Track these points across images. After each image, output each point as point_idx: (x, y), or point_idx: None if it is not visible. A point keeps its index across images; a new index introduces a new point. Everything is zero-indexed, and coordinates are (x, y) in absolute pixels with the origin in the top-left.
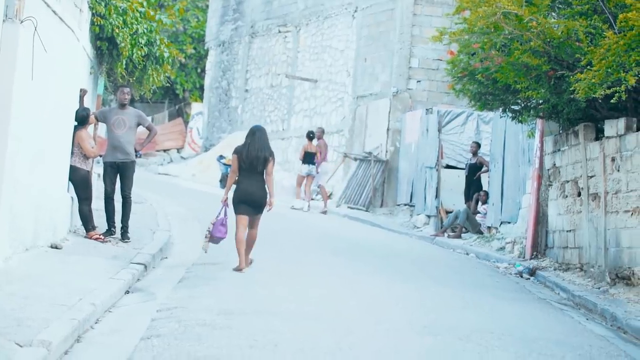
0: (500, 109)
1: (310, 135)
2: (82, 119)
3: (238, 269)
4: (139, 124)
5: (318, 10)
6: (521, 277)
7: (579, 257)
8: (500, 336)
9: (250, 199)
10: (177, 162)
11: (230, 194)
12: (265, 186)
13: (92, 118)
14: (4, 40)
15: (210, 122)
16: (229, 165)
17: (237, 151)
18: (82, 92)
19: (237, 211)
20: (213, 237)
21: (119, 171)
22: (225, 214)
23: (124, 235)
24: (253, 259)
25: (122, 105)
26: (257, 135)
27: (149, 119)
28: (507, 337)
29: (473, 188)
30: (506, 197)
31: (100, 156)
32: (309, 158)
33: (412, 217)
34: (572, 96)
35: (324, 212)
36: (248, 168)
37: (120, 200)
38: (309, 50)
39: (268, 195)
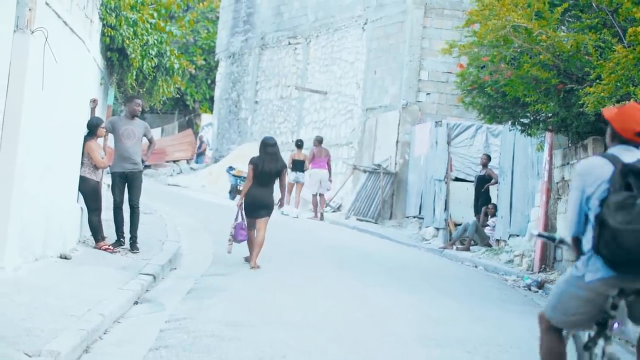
0: (510, 122)
1: (298, 144)
2: (92, 127)
3: (249, 261)
4: (144, 135)
5: (328, 23)
6: (529, 290)
7: None
8: (508, 349)
9: (259, 204)
10: (186, 173)
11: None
12: (273, 193)
13: (101, 130)
14: (14, 50)
15: (220, 134)
16: (239, 177)
17: (254, 162)
18: (93, 104)
19: (247, 215)
20: (236, 239)
21: (127, 181)
22: (243, 218)
23: (133, 246)
24: (260, 266)
25: (133, 116)
26: (269, 150)
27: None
28: (515, 350)
29: (481, 200)
30: (515, 210)
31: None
32: (297, 166)
33: (421, 229)
34: (581, 110)
35: (320, 219)
36: (263, 179)
37: (129, 210)
38: (318, 62)
39: (276, 199)
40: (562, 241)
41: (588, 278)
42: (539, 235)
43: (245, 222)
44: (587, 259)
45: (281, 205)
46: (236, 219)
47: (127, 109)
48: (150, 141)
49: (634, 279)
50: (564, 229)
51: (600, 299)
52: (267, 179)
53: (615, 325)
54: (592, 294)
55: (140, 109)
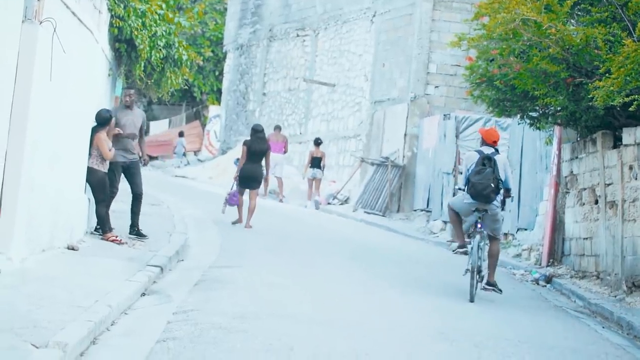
0: (518, 115)
1: (317, 142)
2: (104, 120)
3: (237, 221)
4: (141, 126)
5: (336, 15)
6: (537, 284)
7: (595, 265)
8: (517, 344)
9: (251, 177)
10: (194, 165)
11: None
12: (262, 168)
13: (113, 122)
14: (23, 41)
15: (228, 125)
16: None
17: (246, 143)
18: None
19: (241, 185)
20: (229, 203)
21: (130, 171)
22: (237, 188)
23: (140, 233)
24: (252, 225)
25: (127, 107)
26: (258, 135)
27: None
28: (523, 344)
29: None
30: (523, 204)
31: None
32: (315, 162)
33: (429, 222)
34: (590, 104)
35: (281, 201)
36: (253, 157)
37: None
38: (327, 55)
39: (264, 174)
40: (460, 189)
41: (465, 200)
42: (459, 189)
43: (238, 191)
44: (466, 192)
45: (265, 180)
46: (232, 187)
47: (121, 99)
48: (142, 132)
49: (480, 204)
50: (571, 223)
51: (469, 209)
52: (256, 156)
53: (479, 225)
54: (466, 206)
55: (133, 99)
